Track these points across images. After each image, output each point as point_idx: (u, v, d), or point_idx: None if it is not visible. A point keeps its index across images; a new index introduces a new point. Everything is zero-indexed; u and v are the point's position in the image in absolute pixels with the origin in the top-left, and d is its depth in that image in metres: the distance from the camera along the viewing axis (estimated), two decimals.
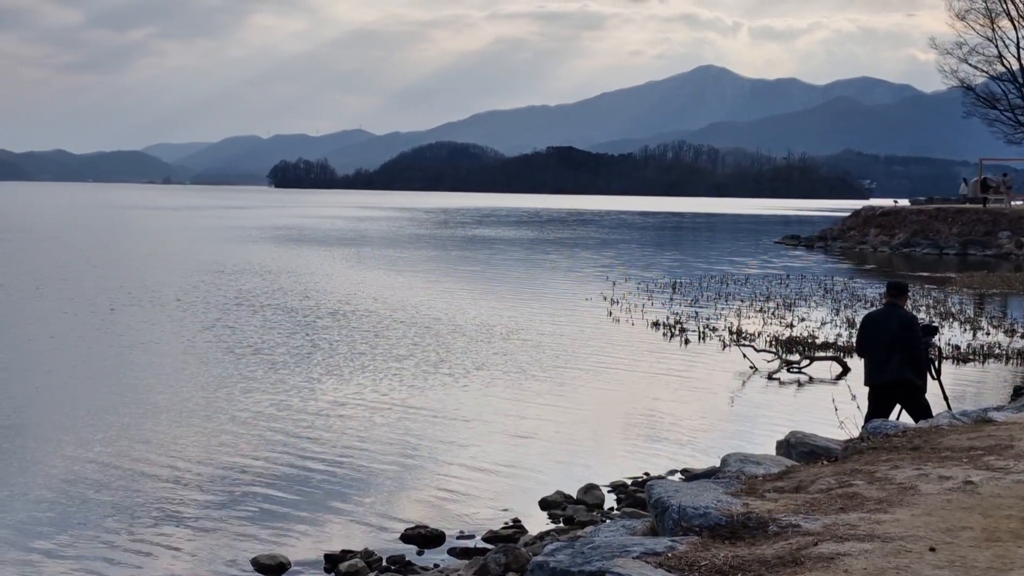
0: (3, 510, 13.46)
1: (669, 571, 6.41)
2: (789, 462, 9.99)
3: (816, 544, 6.83)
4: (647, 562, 6.52)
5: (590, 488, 14.34)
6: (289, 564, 11.69)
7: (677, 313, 34.62)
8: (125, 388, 21.19)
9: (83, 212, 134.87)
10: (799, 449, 10.45)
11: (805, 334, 29.43)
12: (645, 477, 15.15)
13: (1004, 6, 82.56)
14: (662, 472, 15.57)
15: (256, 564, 11.65)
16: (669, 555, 6.76)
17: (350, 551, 11.98)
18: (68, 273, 46.59)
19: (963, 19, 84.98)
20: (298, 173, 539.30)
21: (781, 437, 11.74)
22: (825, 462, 9.85)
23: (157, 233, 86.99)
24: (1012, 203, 77.84)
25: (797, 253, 76.14)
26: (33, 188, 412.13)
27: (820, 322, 32.81)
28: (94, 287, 40.45)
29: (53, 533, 12.65)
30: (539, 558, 6.94)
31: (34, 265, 50.77)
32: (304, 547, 12.28)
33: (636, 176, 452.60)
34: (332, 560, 11.79)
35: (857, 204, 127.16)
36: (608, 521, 11.75)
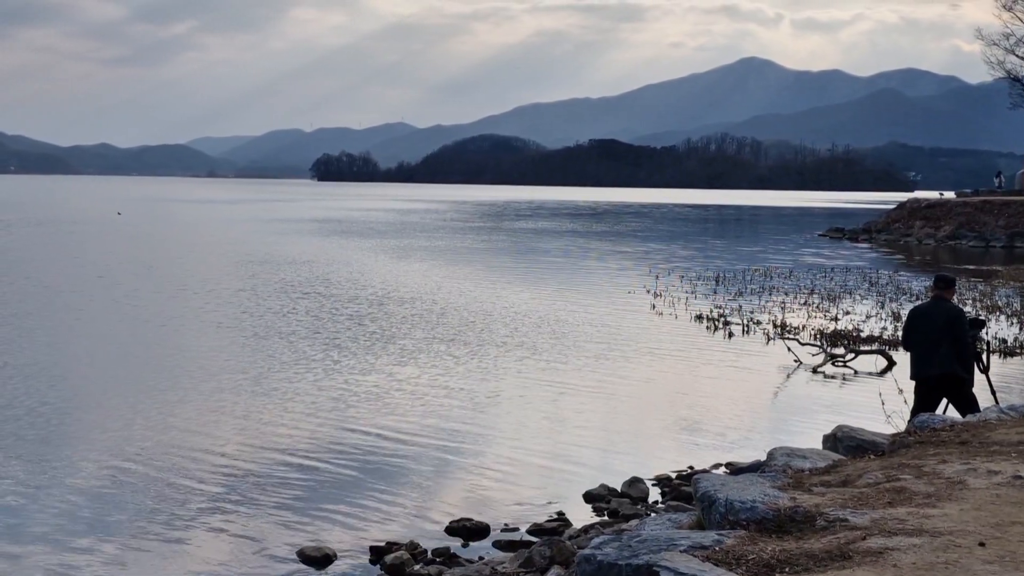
0: (46, 495, 13.60)
1: (716, 564, 6.40)
2: (836, 456, 9.95)
3: (864, 538, 6.80)
4: (694, 556, 6.52)
5: (634, 481, 14.32)
6: (335, 556, 11.73)
7: (721, 306, 34.51)
8: (170, 377, 21.31)
9: (134, 205, 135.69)
10: (846, 443, 10.41)
11: (850, 327, 29.27)
12: (689, 471, 15.12)
13: None
14: (706, 466, 15.53)
15: (302, 555, 11.71)
16: (716, 549, 6.75)
17: (395, 543, 12.01)
18: (125, 264, 46.96)
19: (1010, 9, 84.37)
20: (341, 166, 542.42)
21: (826, 431, 11.70)
22: (872, 456, 9.80)
23: (209, 225, 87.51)
24: None
25: (842, 246, 75.67)
26: (80, 182, 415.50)
27: (865, 315, 32.62)
28: (149, 278, 40.75)
29: (96, 520, 12.77)
30: (586, 551, 6.95)
31: (94, 257, 51.19)
32: (349, 539, 12.33)
33: (678, 168, 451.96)
34: (377, 552, 11.82)
35: (902, 196, 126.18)
36: (653, 515, 11.74)
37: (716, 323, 30.63)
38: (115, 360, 23.83)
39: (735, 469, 14.40)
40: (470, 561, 11.63)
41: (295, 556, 11.71)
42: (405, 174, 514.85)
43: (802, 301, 36.65)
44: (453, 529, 12.68)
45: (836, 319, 31.50)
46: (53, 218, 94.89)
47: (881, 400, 16.11)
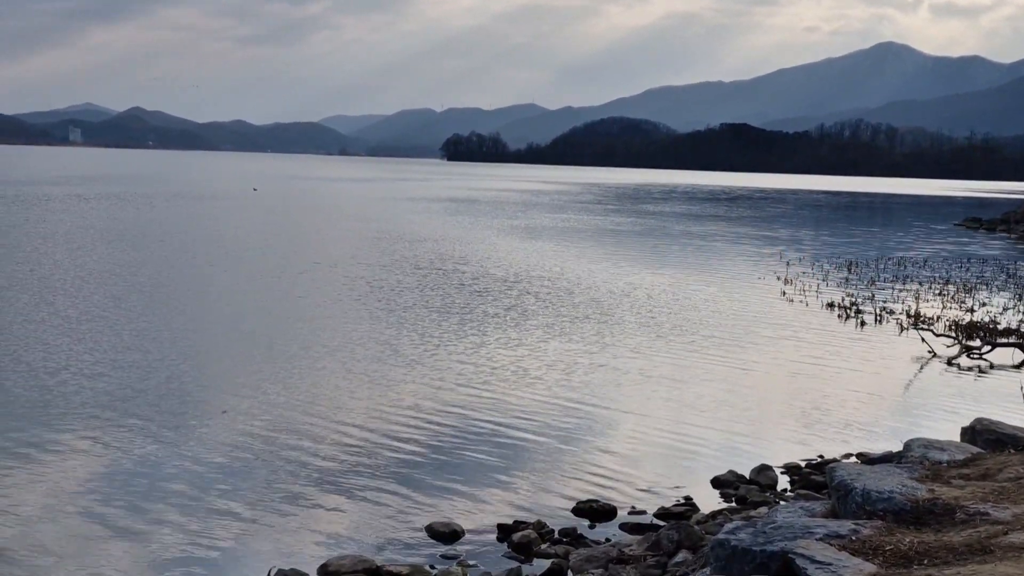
0: (182, 460, 13.95)
1: (853, 554, 6.32)
2: (974, 449, 9.74)
3: (1006, 533, 6.65)
4: (830, 544, 6.44)
5: (763, 469, 14.18)
6: (463, 532, 11.83)
7: (853, 294, 34.00)
8: (306, 348, 21.62)
9: (269, 182, 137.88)
10: (985, 436, 10.20)
11: (986, 319, 28.60)
12: (819, 460, 14.94)
13: None
14: (836, 455, 15.32)
15: (430, 531, 11.83)
16: (853, 538, 6.67)
17: (522, 522, 12.07)
18: (264, 238, 47.81)
19: None
20: (470, 146, 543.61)
21: (961, 424, 11.48)
22: (1012, 451, 9.58)
23: (343, 202, 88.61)
24: None
25: (979, 236, 73.90)
26: (215, 157, 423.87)
27: (1002, 307, 31.87)
28: (288, 252, 41.41)
29: (229, 486, 13.07)
30: (720, 536, 6.91)
31: (233, 231, 52.17)
32: (477, 516, 12.42)
33: (810, 154, 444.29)
34: (505, 530, 11.90)
35: None
36: (784, 503, 11.62)
37: (848, 312, 30.17)
38: (253, 330, 24.25)
39: (868, 459, 14.18)
40: (597, 542, 11.64)
41: (424, 531, 11.84)
42: (534, 155, 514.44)
43: (937, 291, 35.93)
44: (580, 510, 12.70)
45: (972, 310, 30.81)
46: (192, 192, 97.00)
47: (1023, 394, 15.71)
